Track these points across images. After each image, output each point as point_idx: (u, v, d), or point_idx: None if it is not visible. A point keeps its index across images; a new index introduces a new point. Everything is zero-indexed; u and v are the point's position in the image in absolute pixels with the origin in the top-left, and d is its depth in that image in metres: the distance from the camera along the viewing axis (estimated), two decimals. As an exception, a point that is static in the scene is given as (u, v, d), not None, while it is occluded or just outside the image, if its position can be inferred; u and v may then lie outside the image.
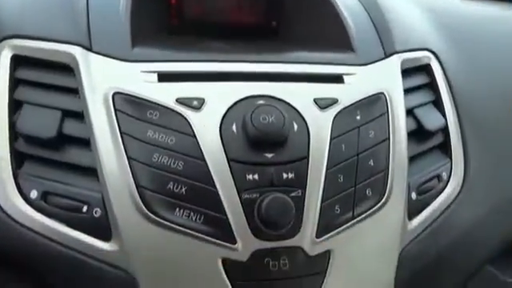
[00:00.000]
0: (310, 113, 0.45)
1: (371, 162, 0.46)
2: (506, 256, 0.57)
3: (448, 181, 0.52)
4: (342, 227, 0.43)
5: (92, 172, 0.41)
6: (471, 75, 0.61)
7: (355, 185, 0.45)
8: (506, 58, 0.66)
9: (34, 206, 0.41)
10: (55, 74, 0.44)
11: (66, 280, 0.41)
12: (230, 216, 0.41)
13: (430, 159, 0.53)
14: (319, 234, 0.42)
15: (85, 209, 0.41)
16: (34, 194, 0.41)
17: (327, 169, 0.44)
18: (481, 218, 0.54)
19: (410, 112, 0.52)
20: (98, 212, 0.41)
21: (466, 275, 0.53)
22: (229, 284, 0.41)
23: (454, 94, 0.56)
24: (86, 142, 0.42)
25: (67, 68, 0.44)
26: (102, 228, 0.41)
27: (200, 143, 0.42)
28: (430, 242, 0.49)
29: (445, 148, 0.54)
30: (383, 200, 0.45)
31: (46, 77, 0.44)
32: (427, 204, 0.50)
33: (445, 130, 0.54)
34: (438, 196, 0.51)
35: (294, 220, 0.41)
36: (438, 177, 0.52)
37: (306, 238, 0.42)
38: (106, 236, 0.41)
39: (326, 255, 0.43)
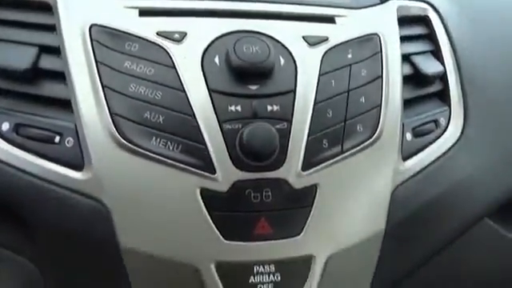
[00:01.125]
0: (298, 48, 0.43)
1: (362, 99, 0.44)
2: (507, 210, 0.53)
3: (446, 127, 0.50)
4: (330, 161, 0.41)
5: (66, 104, 0.40)
6: (474, 35, 0.59)
7: (345, 120, 0.42)
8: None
9: (5, 138, 0.39)
10: (33, 13, 0.43)
11: (38, 211, 0.39)
12: (209, 145, 0.38)
13: (427, 105, 0.51)
14: (305, 167, 0.40)
15: (57, 139, 0.39)
16: (5, 126, 0.39)
17: (315, 103, 0.42)
18: (480, 168, 0.51)
19: (406, 58, 0.50)
20: (70, 142, 0.39)
21: (463, 226, 0.50)
22: (207, 215, 0.38)
23: (455, 47, 0.54)
24: (62, 76, 0.41)
25: (45, 7, 0.43)
26: (75, 158, 0.39)
27: (180, 74, 0.40)
28: (424, 185, 0.46)
29: (443, 96, 0.52)
30: (375, 136, 0.43)
31: (23, 16, 0.43)
32: (423, 147, 0.48)
33: (443, 79, 0.52)
34: (435, 141, 0.48)
35: (279, 152, 0.39)
36: (436, 122, 0.49)
37: (291, 171, 0.39)
38: (78, 166, 0.39)
39: (312, 189, 0.40)
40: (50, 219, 0.39)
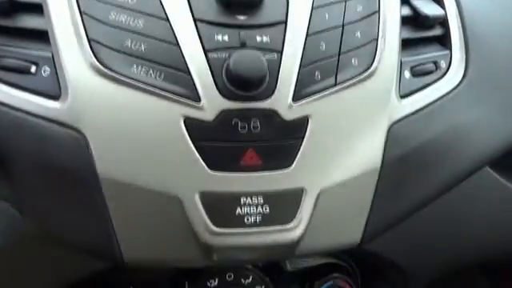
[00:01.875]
0: None
1: (358, 34, 0.41)
2: (509, 160, 0.51)
3: (447, 71, 0.48)
4: (323, 93, 0.39)
5: (43, 35, 0.38)
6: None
7: (339, 53, 0.40)
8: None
9: None
10: None
11: (14, 143, 0.37)
12: (193, 73, 0.36)
13: (427, 47, 0.49)
14: (296, 99, 0.38)
15: (33, 69, 0.37)
16: None
17: (307, 35, 0.39)
18: (481, 114, 0.49)
19: (406, 1, 0.48)
20: (46, 71, 0.37)
21: (463, 173, 0.48)
22: (191, 144, 0.36)
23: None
24: (39, 8, 0.39)
25: None
26: (52, 87, 0.37)
27: (163, 2, 0.38)
28: (422, 125, 0.44)
29: (444, 41, 0.50)
30: (370, 70, 0.41)
31: None
32: (423, 88, 0.45)
33: (444, 24, 0.50)
34: (434, 82, 0.46)
35: (268, 83, 0.37)
36: (436, 64, 0.47)
37: (281, 102, 0.37)
38: (55, 95, 0.37)
39: (303, 121, 0.38)
40: (27, 150, 0.37)
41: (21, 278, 0.41)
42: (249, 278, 0.54)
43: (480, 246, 0.54)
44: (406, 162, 0.42)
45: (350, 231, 0.42)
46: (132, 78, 0.36)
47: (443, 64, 0.48)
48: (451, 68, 0.48)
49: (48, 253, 0.40)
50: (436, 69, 0.47)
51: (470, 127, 0.48)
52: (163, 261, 0.39)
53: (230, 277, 0.53)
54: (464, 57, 0.49)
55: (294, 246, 0.39)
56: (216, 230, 0.37)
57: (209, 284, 0.52)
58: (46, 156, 0.36)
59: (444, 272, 0.58)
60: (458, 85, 0.48)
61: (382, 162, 0.41)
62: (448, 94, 0.47)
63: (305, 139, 0.38)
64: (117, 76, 0.36)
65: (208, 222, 0.37)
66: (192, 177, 0.36)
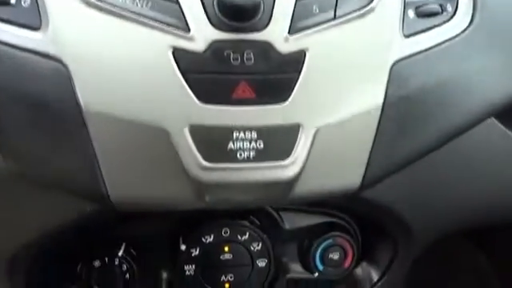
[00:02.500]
0: None
1: None
2: None
3: (454, 15, 0.45)
4: (321, 26, 0.36)
5: None
6: None
7: None
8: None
9: None
10: None
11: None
12: (182, 1, 0.34)
13: None
14: (293, 31, 0.35)
15: (13, 0, 0.35)
16: None
17: None
18: (487, 62, 0.46)
19: None
20: (26, 2, 0.35)
21: (467, 122, 0.46)
22: (180, 76, 0.34)
23: None
24: None
25: None
26: (32, 17, 0.35)
27: None
28: (425, 66, 0.41)
29: None
30: (371, 5, 0.38)
31: None
32: (427, 29, 0.43)
33: None
34: (440, 25, 0.44)
35: (263, 14, 0.35)
36: (442, 6, 0.44)
37: (277, 34, 0.35)
38: (36, 26, 0.35)
39: (300, 55, 0.36)
40: (6, 82, 0.35)
41: (3, 224, 0.40)
42: (245, 235, 0.52)
43: (482, 202, 0.52)
44: (408, 103, 0.40)
45: (349, 174, 0.40)
46: (117, 6, 0.34)
47: (449, 7, 0.45)
48: (458, 12, 0.46)
49: (30, 195, 0.38)
50: (442, 11, 0.44)
51: (475, 74, 0.46)
52: (152, 201, 0.37)
53: (225, 233, 0.51)
54: (471, 2, 0.47)
55: (289, 184, 0.37)
56: (207, 165, 0.35)
57: (204, 240, 0.51)
58: (26, 89, 0.34)
59: (446, 231, 0.56)
60: (464, 30, 0.45)
61: (384, 101, 0.39)
62: (454, 37, 0.44)
63: (301, 74, 0.36)
64: (101, 4, 0.34)
65: (198, 156, 0.35)
66: (181, 109, 0.34)
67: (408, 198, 0.47)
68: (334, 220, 0.56)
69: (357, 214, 0.54)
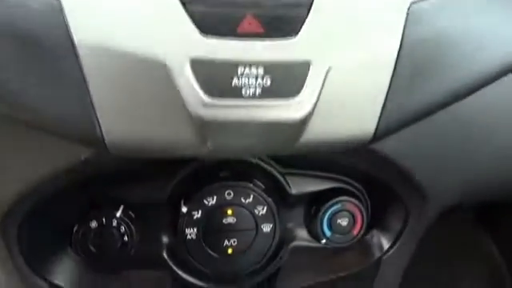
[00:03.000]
0: None
1: None
2: None
3: None
4: None
5: None
6: None
7: None
8: None
9: None
10: None
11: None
12: None
13: None
14: None
15: None
16: None
17: None
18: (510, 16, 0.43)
19: None
20: None
21: (487, 74, 0.42)
22: (181, 7, 0.31)
23: None
24: None
25: None
26: None
27: None
28: (446, 11, 0.38)
29: None
30: None
31: None
32: None
33: None
34: None
35: None
36: None
37: None
38: None
39: None
40: None
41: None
42: (249, 198, 0.49)
43: (499, 164, 0.49)
44: (426, 46, 0.37)
45: (362, 121, 0.37)
46: None
47: None
48: None
49: (20, 138, 0.36)
50: None
51: (499, 26, 0.43)
52: (150, 145, 0.35)
53: (229, 195, 0.49)
54: None
55: (297, 128, 0.35)
56: (209, 102, 0.32)
57: (206, 202, 0.48)
58: (14, 22, 0.32)
59: (459, 197, 0.53)
60: None
61: (401, 42, 0.36)
62: None
63: (313, 7, 0.33)
64: None
65: (200, 92, 0.32)
66: (182, 42, 0.31)
67: (421, 156, 0.44)
68: (342, 186, 0.54)
69: (366, 179, 0.52)
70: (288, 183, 0.52)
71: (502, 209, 1.59)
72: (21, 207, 0.41)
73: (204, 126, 0.33)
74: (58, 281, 0.48)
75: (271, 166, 0.50)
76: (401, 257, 0.55)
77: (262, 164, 0.50)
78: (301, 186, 0.52)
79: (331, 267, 0.55)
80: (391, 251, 0.54)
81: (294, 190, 0.52)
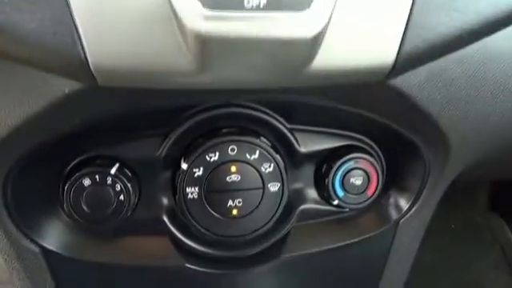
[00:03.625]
0: None
1: None
2: None
3: None
4: None
5: None
6: None
7: None
8: None
9: None
10: None
11: None
12: None
13: None
14: None
15: None
16: None
17: None
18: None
19: None
20: None
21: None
22: None
23: None
24: None
25: None
26: None
27: None
28: None
29: None
30: None
31: None
32: None
33: None
34: None
35: None
36: None
37: None
38: None
39: None
40: None
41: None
42: (255, 154, 0.45)
43: None
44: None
45: (382, 45, 0.32)
46: None
47: None
48: None
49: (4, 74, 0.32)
50: None
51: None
52: (140, 71, 0.31)
53: (232, 151, 0.45)
54: None
55: (309, 48, 0.30)
56: (208, 13, 0.28)
57: (208, 158, 0.45)
58: None
59: (481, 155, 0.49)
60: None
61: None
62: None
63: None
64: None
65: (198, 3, 0.28)
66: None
67: (445, 100, 0.40)
68: (354, 143, 0.50)
69: (382, 134, 0.48)
70: (297, 140, 0.48)
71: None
72: (4, 158, 0.38)
73: (202, 44, 0.29)
74: (50, 246, 0.45)
75: (278, 121, 0.47)
76: (419, 220, 0.51)
77: (269, 119, 0.46)
78: (310, 143, 0.49)
79: (344, 232, 0.51)
80: (409, 213, 0.50)
81: (302, 148, 0.48)
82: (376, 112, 0.43)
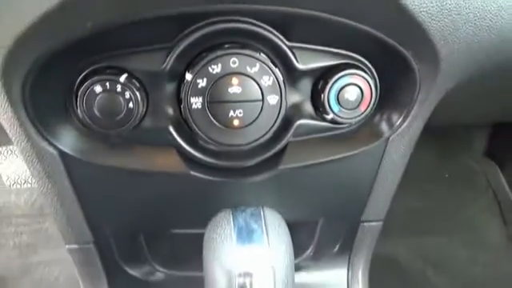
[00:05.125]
0: None
1: None
2: None
3: None
4: None
5: None
6: None
7: None
8: None
9: None
10: None
11: None
12: None
13: None
14: None
15: None
16: None
17: None
18: None
19: None
20: None
21: None
22: None
23: None
24: None
25: None
26: None
27: None
28: None
29: None
30: None
31: None
32: None
33: None
34: None
35: None
36: None
37: None
38: None
39: None
40: None
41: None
42: (255, 67, 0.48)
43: None
44: None
45: None
46: None
47: None
48: None
49: None
50: None
51: None
52: None
53: (234, 63, 0.48)
54: None
55: None
56: None
57: (211, 70, 0.48)
58: None
59: (471, 71, 0.51)
60: None
61: None
62: None
63: None
64: None
65: None
66: None
67: (434, 8, 0.42)
68: (350, 61, 0.52)
69: (376, 50, 0.50)
70: (295, 57, 0.50)
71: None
72: (22, 58, 0.41)
73: None
74: (66, 148, 0.49)
75: (278, 38, 0.49)
76: (408, 137, 0.55)
77: (269, 35, 0.48)
78: (308, 60, 0.51)
79: (337, 147, 0.55)
80: (400, 129, 0.53)
81: (301, 65, 0.51)
82: (369, 23, 0.45)
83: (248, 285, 0.38)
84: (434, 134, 1.55)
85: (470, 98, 0.91)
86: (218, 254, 0.39)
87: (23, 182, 1.34)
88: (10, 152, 1.36)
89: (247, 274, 0.38)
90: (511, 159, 1.52)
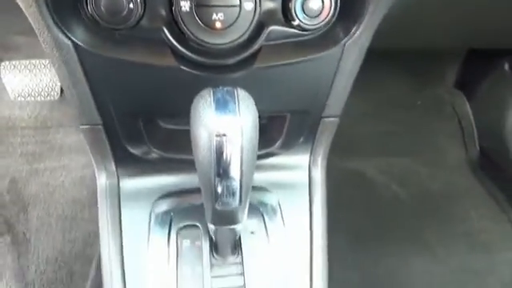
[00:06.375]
0: None
1: None
2: None
3: None
4: None
5: None
6: None
7: None
8: None
9: None
10: None
11: None
12: None
13: None
14: None
15: None
16: None
17: None
18: None
19: None
20: None
21: None
22: None
23: None
24: None
25: None
26: None
27: None
28: None
29: None
30: None
31: None
32: None
33: None
34: None
35: None
36: None
37: None
38: None
39: None
40: None
41: None
42: None
43: None
44: None
45: None
46: None
47: None
48: None
49: None
50: None
51: None
52: None
53: None
54: None
55: None
56: None
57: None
58: None
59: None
60: None
61: None
62: None
63: None
64: None
65: None
66: None
67: None
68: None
69: None
70: None
71: (479, 76, 1.71)
72: None
73: None
74: (78, 40, 0.60)
75: None
76: (361, 43, 0.66)
77: None
78: None
79: (303, 50, 0.66)
80: (354, 37, 0.65)
81: None
82: None
83: (224, 142, 0.51)
84: (409, 66, 1.67)
85: (445, 22, 1.01)
86: (202, 118, 0.52)
87: (27, 95, 1.45)
88: (12, 67, 1.45)
89: (222, 135, 0.51)
90: (478, 90, 1.65)
